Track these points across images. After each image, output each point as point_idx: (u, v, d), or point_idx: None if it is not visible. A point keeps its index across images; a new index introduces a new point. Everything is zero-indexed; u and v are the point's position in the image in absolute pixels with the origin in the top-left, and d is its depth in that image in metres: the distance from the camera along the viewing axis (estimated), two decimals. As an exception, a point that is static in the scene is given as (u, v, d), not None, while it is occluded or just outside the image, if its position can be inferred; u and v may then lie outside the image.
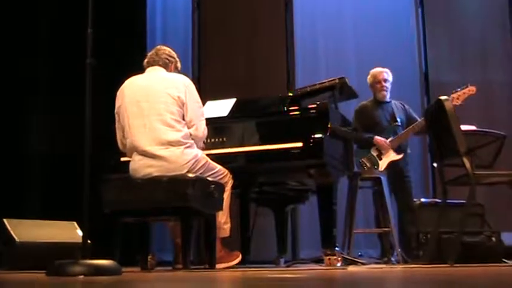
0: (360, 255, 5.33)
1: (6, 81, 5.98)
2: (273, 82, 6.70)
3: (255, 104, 4.78)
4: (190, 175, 3.70)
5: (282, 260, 5.00)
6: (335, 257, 4.00)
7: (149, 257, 4.07)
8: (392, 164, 5.24)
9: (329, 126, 4.08)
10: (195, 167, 3.79)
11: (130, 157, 3.89)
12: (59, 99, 6.19)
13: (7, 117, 5.90)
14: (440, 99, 3.99)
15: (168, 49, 4.10)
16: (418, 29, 6.80)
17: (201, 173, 3.80)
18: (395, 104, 5.50)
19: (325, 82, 4.67)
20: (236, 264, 4.04)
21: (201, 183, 3.71)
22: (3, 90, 5.97)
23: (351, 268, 3.97)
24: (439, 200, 4.59)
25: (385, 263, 4.93)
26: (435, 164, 4.59)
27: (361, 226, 5.74)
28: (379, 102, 5.48)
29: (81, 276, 2.88)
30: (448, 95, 4.05)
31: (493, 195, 5.44)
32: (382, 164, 5.22)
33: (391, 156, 5.24)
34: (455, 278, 2.59)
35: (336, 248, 4.09)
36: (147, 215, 3.91)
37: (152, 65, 4.01)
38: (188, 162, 3.77)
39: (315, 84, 4.71)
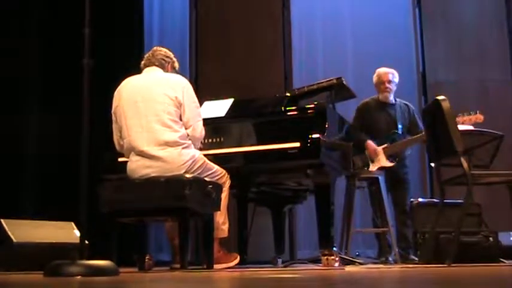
0: (358, 255, 5.34)
1: (2, 81, 5.96)
2: (271, 82, 6.71)
3: (252, 104, 4.78)
4: (187, 175, 3.70)
5: (280, 260, 5.00)
6: (333, 257, 4.00)
7: (146, 257, 4.07)
8: (387, 168, 5.21)
9: (326, 126, 4.08)
10: (193, 168, 3.79)
11: (128, 157, 3.89)
12: (56, 100, 6.17)
13: (4, 117, 5.89)
14: (438, 99, 3.99)
15: (165, 49, 4.10)
16: (415, 29, 6.81)
17: (198, 174, 3.80)
18: (400, 106, 5.41)
19: (322, 82, 4.67)
20: (234, 265, 4.04)
21: (198, 183, 3.70)
22: (1, 92, 5.95)
23: (349, 268, 3.97)
24: (437, 200, 4.60)
25: (382, 263, 4.93)
26: (433, 164, 4.59)
27: (359, 226, 5.75)
28: (383, 103, 5.41)
29: (79, 277, 2.87)
30: (446, 95, 4.03)
31: (490, 195, 5.44)
32: (373, 167, 5.17)
33: (383, 162, 5.15)
34: (452, 278, 2.59)
35: (334, 248, 4.09)
36: (145, 215, 3.91)
37: (149, 66, 4.01)
38: (186, 162, 3.76)
39: (313, 85, 4.71)
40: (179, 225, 3.76)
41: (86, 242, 3.19)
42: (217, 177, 3.95)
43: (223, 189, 3.97)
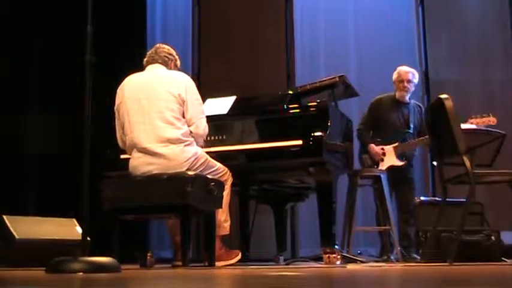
0: (359, 254, 5.34)
1: (4, 79, 5.97)
2: (273, 80, 6.70)
3: (254, 102, 4.78)
4: (190, 173, 3.70)
5: (282, 258, 4.99)
6: (334, 255, 4.00)
7: (148, 254, 4.07)
8: (395, 167, 5.22)
9: (329, 124, 4.08)
10: (195, 165, 3.79)
11: (130, 154, 3.89)
12: (58, 97, 6.18)
13: (6, 115, 5.89)
14: (441, 98, 3.99)
15: (168, 47, 4.10)
16: (418, 28, 6.80)
17: (200, 171, 3.80)
18: (414, 107, 5.41)
19: (325, 80, 4.66)
20: (235, 262, 4.04)
21: (200, 180, 3.70)
22: (2, 89, 5.96)
23: (350, 266, 3.97)
24: (439, 199, 4.60)
25: (384, 261, 4.93)
26: (435, 163, 4.59)
27: (361, 224, 5.75)
28: (398, 101, 5.38)
29: (81, 273, 2.88)
30: (449, 94, 4.03)
31: (492, 194, 5.44)
32: (383, 165, 5.19)
33: (393, 160, 5.19)
34: (454, 277, 2.59)
35: (336, 246, 4.10)
36: (147, 212, 3.92)
37: (152, 63, 4.01)
38: (188, 159, 3.77)
39: (315, 82, 4.71)
40: (181, 223, 3.76)
41: (88, 238, 3.20)
42: (219, 175, 3.95)
43: (225, 186, 3.97)
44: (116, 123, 3.98)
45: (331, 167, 4.10)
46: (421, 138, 5.18)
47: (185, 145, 3.79)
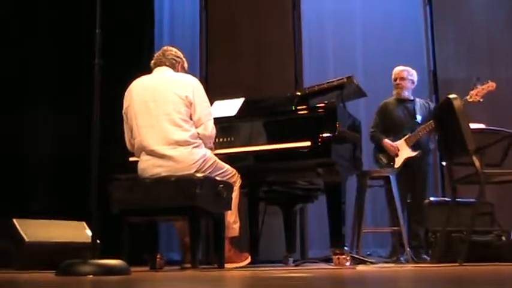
0: (369, 255, 5.33)
1: (15, 82, 6.00)
2: (281, 81, 6.70)
3: (263, 104, 4.77)
4: (198, 175, 3.70)
5: (291, 259, 5.00)
6: (344, 256, 3.99)
7: (157, 256, 4.07)
8: (410, 163, 5.23)
9: (337, 125, 4.07)
10: (204, 167, 3.80)
11: (139, 157, 3.90)
12: (67, 99, 6.21)
13: (16, 118, 5.92)
14: (449, 98, 3.98)
15: (175, 49, 4.11)
16: (426, 27, 6.78)
17: (209, 173, 3.80)
18: (420, 103, 5.52)
19: (333, 81, 4.66)
20: (245, 265, 4.04)
21: (209, 182, 3.71)
22: (12, 92, 5.99)
23: (360, 267, 3.96)
24: (449, 199, 4.58)
25: (394, 262, 4.92)
26: (444, 163, 4.58)
27: (370, 225, 5.74)
28: (401, 100, 5.54)
29: (91, 276, 2.88)
30: (457, 93, 4.03)
31: (502, 193, 5.41)
32: (398, 161, 5.24)
33: (407, 153, 5.28)
34: (464, 277, 2.58)
35: (345, 247, 4.08)
36: (156, 214, 3.92)
37: (159, 66, 4.02)
38: (196, 162, 3.77)
39: (323, 84, 4.70)
40: (190, 225, 3.76)
41: (98, 241, 3.20)
42: (228, 177, 3.95)
43: (234, 188, 3.97)
44: (125, 126, 3.99)
45: (340, 168, 4.09)
46: (430, 122, 5.22)
47: (193, 147, 3.79)
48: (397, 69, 5.58)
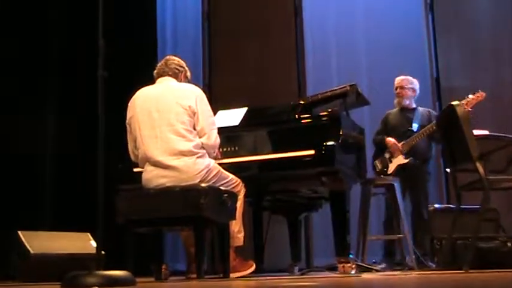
0: (374, 263, 5.31)
1: (17, 100, 6.02)
2: (284, 90, 6.70)
3: (266, 112, 4.78)
4: (203, 185, 3.71)
5: (296, 268, 4.98)
6: (349, 264, 3.99)
7: (163, 267, 4.07)
8: (406, 171, 5.24)
9: (341, 133, 4.07)
10: (208, 177, 3.80)
11: (143, 168, 3.90)
12: (71, 111, 6.23)
13: (20, 131, 5.94)
14: (452, 105, 3.98)
15: (177, 59, 4.12)
16: (428, 34, 6.78)
17: (213, 183, 3.81)
18: (420, 112, 5.56)
19: (336, 89, 4.66)
20: (250, 273, 4.04)
21: (213, 192, 3.71)
22: (17, 110, 6.00)
23: (365, 275, 3.95)
24: (453, 206, 4.57)
25: (399, 269, 4.90)
26: (448, 170, 4.57)
27: (375, 233, 5.72)
28: (403, 109, 5.61)
29: (96, 287, 2.88)
30: (460, 100, 4.05)
31: (507, 200, 5.40)
32: (391, 167, 5.27)
33: (399, 160, 5.31)
34: (470, 284, 2.57)
35: (350, 255, 4.08)
36: (161, 225, 3.92)
37: (162, 76, 4.03)
38: (201, 172, 3.77)
39: (326, 92, 4.70)
40: (195, 235, 3.76)
41: (103, 252, 3.20)
42: (232, 186, 3.95)
43: (239, 197, 3.98)
44: (128, 136, 4.00)
45: (344, 176, 4.09)
46: (424, 129, 5.28)
47: (197, 157, 3.79)
48: (398, 78, 5.64)
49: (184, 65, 4.13)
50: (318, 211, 5.25)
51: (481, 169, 3.76)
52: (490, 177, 3.80)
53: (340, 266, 4.01)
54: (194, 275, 3.80)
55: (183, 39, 7.31)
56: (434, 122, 5.19)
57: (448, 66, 6.65)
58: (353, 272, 3.99)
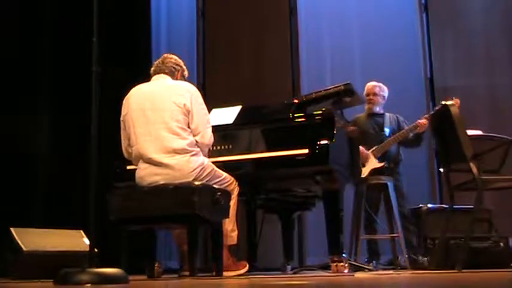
0: (367, 262, 5.32)
1: (14, 99, 6.00)
2: (279, 89, 6.71)
3: (260, 111, 4.77)
4: (196, 183, 3.70)
5: (289, 267, 4.99)
6: (342, 263, 3.99)
7: (156, 264, 4.06)
8: (380, 174, 5.27)
9: (334, 132, 4.08)
10: (201, 175, 3.79)
11: (136, 165, 3.89)
12: (65, 108, 6.21)
13: (14, 130, 5.92)
14: (446, 104, 3.99)
15: (175, 57, 4.11)
16: (422, 34, 6.79)
17: (207, 181, 3.80)
18: (389, 117, 5.62)
19: (330, 88, 4.67)
20: (243, 273, 4.03)
21: (207, 190, 3.70)
22: (12, 108, 5.98)
23: (358, 274, 3.96)
24: (446, 206, 4.58)
25: (392, 269, 4.92)
26: (442, 169, 4.58)
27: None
28: (371, 114, 5.63)
29: (88, 285, 2.87)
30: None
31: (500, 200, 5.42)
32: (365, 171, 5.28)
33: (373, 164, 5.31)
34: (463, 284, 2.58)
35: (343, 255, 4.08)
36: (154, 222, 3.91)
37: (158, 73, 4.02)
38: (194, 170, 3.77)
39: (321, 91, 4.71)
40: (188, 233, 3.75)
41: (95, 249, 3.19)
42: (225, 185, 3.95)
43: (232, 196, 3.97)
44: (122, 134, 3.99)
45: (338, 175, 4.09)
46: (396, 135, 5.34)
47: (191, 155, 3.79)
48: (370, 84, 5.66)
49: (181, 63, 4.12)
50: (311, 210, 5.25)
51: (474, 169, 3.77)
52: (484, 177, 3.81)
53: (333, 265, 4.01)
54: (187, 273, 3.79)
55: (177, 38, 7.30)
56: (406, 127, 5.33)
57: (442, 66, 6.66)
58: (346, 271, 3.99)
